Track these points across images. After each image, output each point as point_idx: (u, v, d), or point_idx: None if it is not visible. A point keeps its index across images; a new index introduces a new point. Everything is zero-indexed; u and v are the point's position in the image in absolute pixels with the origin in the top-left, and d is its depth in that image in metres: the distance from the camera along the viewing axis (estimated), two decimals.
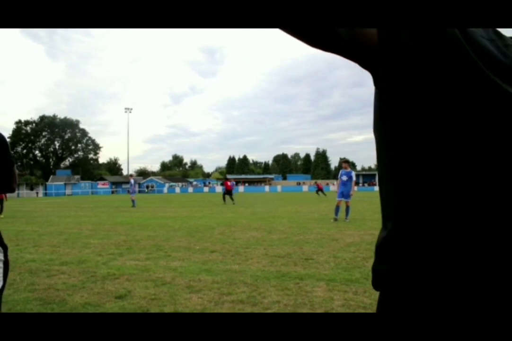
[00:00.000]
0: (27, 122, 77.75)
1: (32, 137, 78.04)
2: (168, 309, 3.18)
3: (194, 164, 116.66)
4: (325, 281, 3.96)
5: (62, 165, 79.76)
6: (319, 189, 29.62)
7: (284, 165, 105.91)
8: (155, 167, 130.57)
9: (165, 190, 61.75)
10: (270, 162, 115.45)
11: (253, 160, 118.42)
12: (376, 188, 34.17)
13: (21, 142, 76.40)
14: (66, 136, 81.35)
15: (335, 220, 10.12)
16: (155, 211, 15.51)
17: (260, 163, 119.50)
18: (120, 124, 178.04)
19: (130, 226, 9.77)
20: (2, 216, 13.12)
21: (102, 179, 67.28)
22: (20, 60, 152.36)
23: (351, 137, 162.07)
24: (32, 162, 77.70)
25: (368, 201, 20.87)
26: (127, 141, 74.47)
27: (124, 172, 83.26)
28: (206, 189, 60.57)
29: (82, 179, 65.99)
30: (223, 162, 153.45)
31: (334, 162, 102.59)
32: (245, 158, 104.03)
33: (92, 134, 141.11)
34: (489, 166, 0.60)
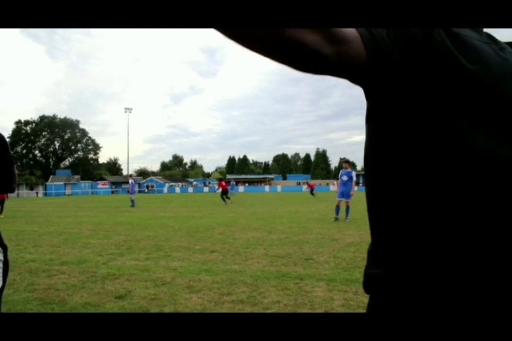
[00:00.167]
0: (27, 122, 77.72)
1: (32, 137, 78.03)
2: (168, 309, 3.18)
3: (194, 164, 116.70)
4: (325, 281, 3.96)
5: (62, 165, 79.75)
6: (311, 189, 29.47)
7: (284, 166, 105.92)
8: (155, 167, 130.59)
9: (165, 190, 61.74)
10: (270, 162, 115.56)
11: (253, 160, 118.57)
12: None
13: (21, 142, 76.36)
14: (66, 136, 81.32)
15: (336, 219, 10.13)
16: (155, 211, 15.50)
17: (260, 163, 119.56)
18: (120, 124, 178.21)
19: (130, 226, 9.77)
20: (2, 216, 13.12)
21: (102, 179, 67.24)
22: (20, 60, 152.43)
23: (351, 137, 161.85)
24: (32, 162, 77.69)
25: None
26: (127, 141, 74.53)
27: (124, 172, 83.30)
28: (206, 189, 60.55)
29: (82, 179, 65.93)
30: (223, 162, 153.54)
31: (334, 163, 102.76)
32: (245, 158, 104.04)
33: (92, 134, 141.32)
34: (479, 175, 0.62)
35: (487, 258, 0.60)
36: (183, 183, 70.69)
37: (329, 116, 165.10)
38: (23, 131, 77.53)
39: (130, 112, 70.62)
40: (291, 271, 4.46)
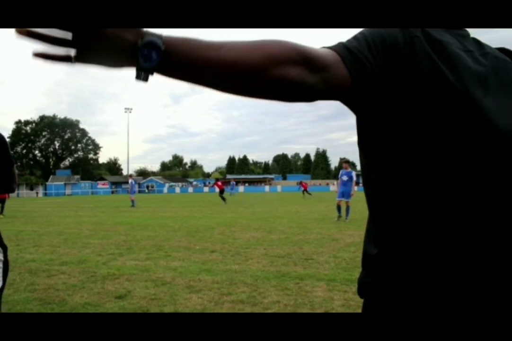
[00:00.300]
0: (27, 122, 77.68)
1: (32, 137, 77.96)
2: (168, 309, 3.18)
3: (194, 164, 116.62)
4: (325, 281, 3.96)
5: (62, 165, 79.69)
6: (304, 189, 29.62)
7: (284, 166, 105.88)
8: (155, 167, 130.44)
9: (165, 190, 61.71)
10: (270, 162, 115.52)
11: (253, 160, 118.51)
12: None
13: (21, 142, 76.29)
14: (66, 136, 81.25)
15: (339, 217, 10.28)
16: (155, 211, 15.50)
17: (260, 163, 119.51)
18: (120, 124, 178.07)
19: (130, 226, 9.77)
20: (1, 216, 13.12)
21: (102, 179, 67.20)
22: (20, 60, 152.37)
23: (351, 137, 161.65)
24: (32, 162, 77.65)
25: None
26: (127, 141, 74.40)
27: (124, 172, 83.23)
28: (206, 189, 60.52)
29: (82, 179, 65.88)
30: (223, 162, 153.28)
31: (334, 163, 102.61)
32: (245, 158, 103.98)
33: (92, 134, 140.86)
34: (464, 181, 0.64)
35: (470, 266, 0.65)
36: (183, 183, 70.66)
37: (329, 116, 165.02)
38: (23, 131, 77.47)
39: (130, 112, 70.56)
40: (291, 271, 4.46)
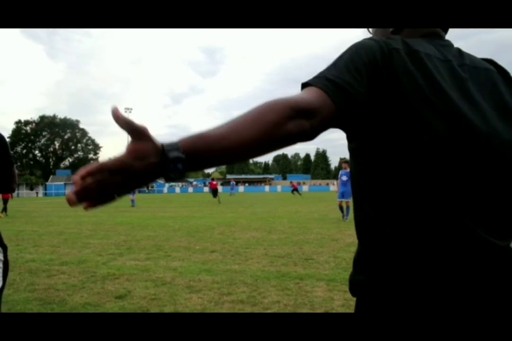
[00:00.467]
0: (27, 122, 77.62)
1: (32, 137, 77.92)
2: (168, 309, 3.18)
3: None
4: (325, 281, 3.96)
5: (62, 165, 79.64)
6: (294, 189, 30.07)
7: (284, 166, 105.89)
8: None
9: (165, 190, 61.70)
10: (270, 162, 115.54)
11: (253, 160, 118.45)
12: None
13: (21, 142, 76.24)
14: (66, 136, 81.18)
15: (343, 216, 10.32)
16: (155, 211, 15.50)
17: (260, 163, 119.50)
18: None
19: (130, 226, 9.77)
20: (2, 215, 13.12)
21: None
22: (20, 60, 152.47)
23: None
24: (32, 162, 77.60)
25: None
26: (127, 141, 74.24)
27: None
28: (206, 189, 60.35)
29: None
30: None
31: (334, 163, 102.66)
32: None
33: (92, 134, 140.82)
34: (450, 181, 0.69)
35: (456, 263, 0.68)
36: (183, 183, 70.62)
37: None
38: (23, 131, 77.42)
39: (130, 112, 70.44)
40: (291, 271, 4.46)
